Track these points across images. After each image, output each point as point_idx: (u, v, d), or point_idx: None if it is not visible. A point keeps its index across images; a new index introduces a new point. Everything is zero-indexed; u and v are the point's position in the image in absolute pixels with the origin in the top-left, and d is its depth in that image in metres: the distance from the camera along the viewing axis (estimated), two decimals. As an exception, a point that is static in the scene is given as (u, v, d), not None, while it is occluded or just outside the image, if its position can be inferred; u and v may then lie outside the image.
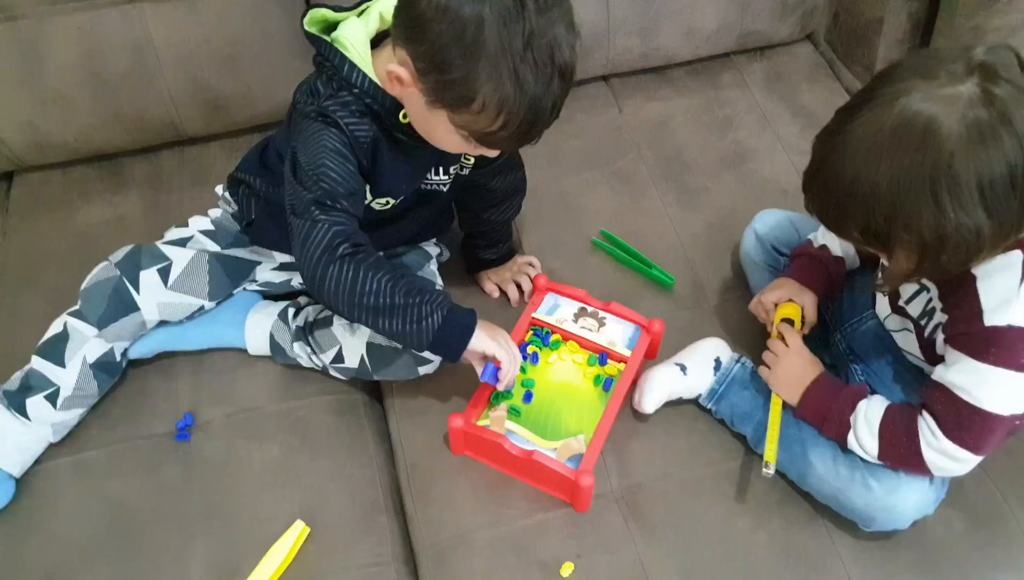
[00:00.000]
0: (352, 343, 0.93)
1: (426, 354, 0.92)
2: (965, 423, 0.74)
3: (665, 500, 0.88)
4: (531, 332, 0.98)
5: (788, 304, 0.92)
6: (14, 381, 0.91)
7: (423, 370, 0.93)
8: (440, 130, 0.76)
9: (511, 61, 0.68)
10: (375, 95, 0.78)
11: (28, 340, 0.93)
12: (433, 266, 1.02)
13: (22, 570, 0.84)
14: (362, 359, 0.92)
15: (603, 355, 0.95)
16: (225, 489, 0.89)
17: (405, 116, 0.79)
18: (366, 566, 0.85)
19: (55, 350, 0.91)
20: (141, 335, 0.95)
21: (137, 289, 0.91)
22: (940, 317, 0.78)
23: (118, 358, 0.93)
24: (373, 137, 0.80)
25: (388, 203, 0.88)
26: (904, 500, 0.80)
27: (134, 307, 0.91)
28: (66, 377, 0.90)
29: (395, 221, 0.93)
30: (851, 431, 0.82)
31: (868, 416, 0.81)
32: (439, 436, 0.93)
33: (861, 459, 0.82)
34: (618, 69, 1.27)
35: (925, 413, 0.77)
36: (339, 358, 0.93)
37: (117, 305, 0.91)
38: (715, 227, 1.11)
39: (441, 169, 0.89)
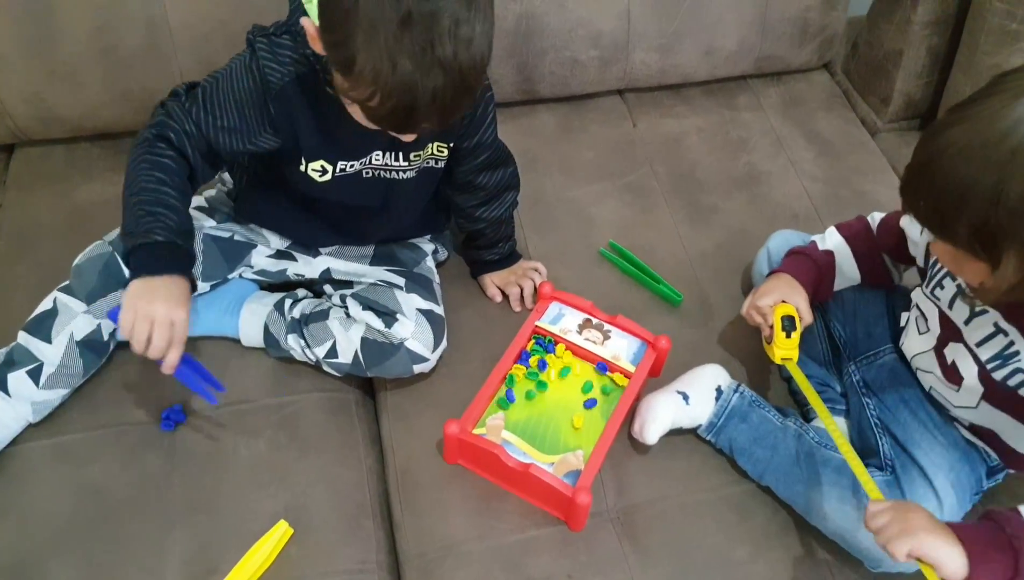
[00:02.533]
0: (346, 338, 0.91)
1: (423, 352, 0.90)
2: None
3: (662, 523, 0.86)
4: (533, 340, 0.95)
5: (783, 305, 0.88)
6: (-2, 356, 0.88)
7: (418, 368, 0.91)
8: (346, 100, 0.74)
9: (384, 37, 0.65)
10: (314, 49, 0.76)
11: (18, 313, 0.91)
12: (430, 262, 1.00)
13: (-11, 553, 0.80)
14: (356, 355, 0.90)
15: (601, 364, 0.93)
16: (208, 483, 0.86)
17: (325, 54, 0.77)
18: (349, 572, 0.82)
19: (42, 326, 0.88)
20: (132, 318, 0.92)
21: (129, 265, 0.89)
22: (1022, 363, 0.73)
23: (106, 338, 0.90)
24: (285, 84, 0.78)
25: (325, 171, 0.85)
26: None
27: (125, 282, 0.89)
28: (51, 353, 0.87)
29: (371, 215, 0.91)
30: None
31: None
32: (432, 442, 0.90)
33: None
34: (635, 84, 1.27)
35: None
36: (332, 353, 0.91)
37: (107, 279, 0.88)
38: (725, 247, 1.10)
39: (400, 155, 0.86)
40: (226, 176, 0.98)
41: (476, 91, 0.71)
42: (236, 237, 0.96)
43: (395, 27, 0.64)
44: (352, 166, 0.85)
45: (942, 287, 0.81)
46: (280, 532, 0.82)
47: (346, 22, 0.66)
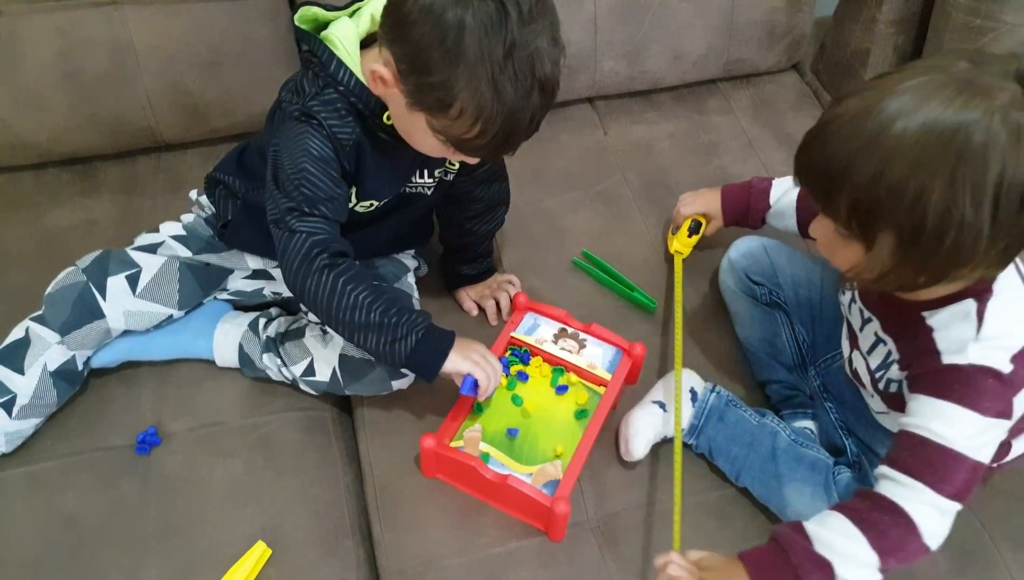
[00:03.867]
0: (324, 355, 0.90)
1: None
2: (938, 466, 0.68)
3: (642, 531, 0.86)
4: (509, 351, 0.95)
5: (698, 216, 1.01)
6: (-31, 387, 0.87)
7: (396, 385, 0.91)
8: (420, 133, 0.75)
9: (490, 70, 0.67)
10: (360, 94, 0.77)
11: (-14, 343, 0.90)
12: (411, 278, 1.00)
13: (-38, 587, 0.80)
14: (334, 372, 0.90)
15: (560, 369, 0.93)
16: (184, 506, 0.85)
17: (389, 117, 0.78)
18: (328, 591, 0.82)
19: (14, 356, 0.87)
20: (105, 344, 0.92)
21: (104, 296, 0.88)
22: (896, 373, 0.74)
23: (79, 367, 0.90)
24: (356, 139, 0.79)
25: (372, 206, 0.87)
26: None
27: (99, 314, 0.88)
28: (24, 385, 0.86)
29: (375, 224, 0.91)
30: (831, 564, 0.68)
31: (827, 525, 0.69)
32: (410, 458, 0.90)
33: (838, 497, 0.80)
34: (604, 91, 1.27)
35: (896, 473, 0.68)
36: (310, 371, 0.91)
37: (82, 311, 0.88)
38: (698, 253, 1.10)
39: (426, 172, 0.88)
40: (203, 200, 0.97)
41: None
42: (212, 264, 0.96)
43: (500, 58, 0.67)
44: (395, 193, 0.87)
45: (843, 292, 0.81)
46: (258, 553, 0.81)
47: (446, 62, 0.67)
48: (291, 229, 0.76)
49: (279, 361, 0.92)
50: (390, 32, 0.72)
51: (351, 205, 0.85)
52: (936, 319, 0.68)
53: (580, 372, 0.93)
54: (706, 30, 1.24)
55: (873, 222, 0.61)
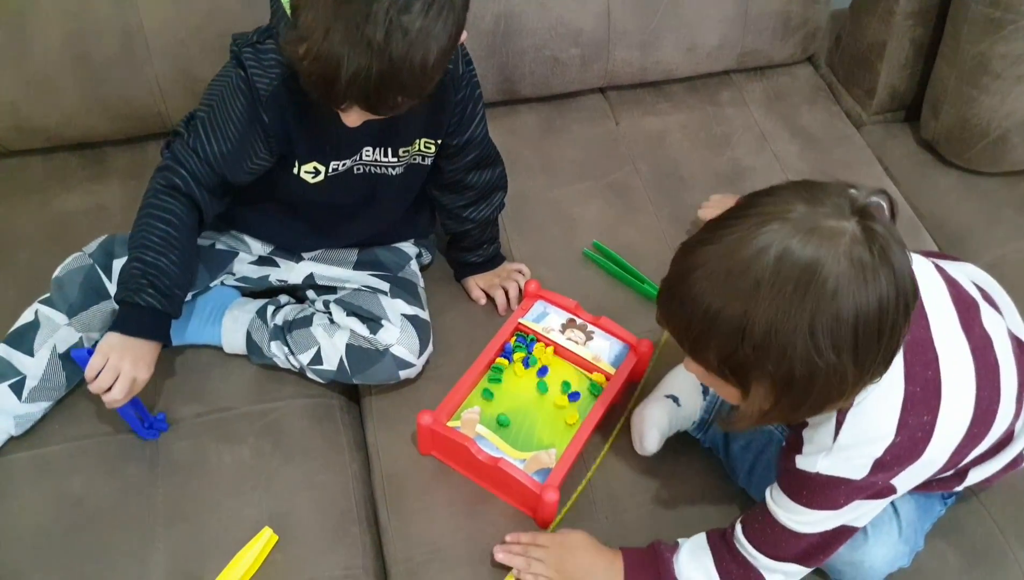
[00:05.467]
0: (331, 344, 0.90)
1: (408, 358, 0.90)
2: (781, 543, 0.73)
3: (650, 524, 0.86)
4: (514, 338, 0.95)
5: None
6: (-21, 369, 0.87)
7: (404, 374, 0.91)
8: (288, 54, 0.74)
9: (325, 2, 0.66)
10: None
11: (-4, 324, 0.90)
12: (414, 266, 0.99)
13: (-30, 568, 0.80)
14: (341, 361, 0.89)
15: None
16: (191, 491, 0.85)
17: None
18: (336, 578, 0.82)
19: (24, 339, 0.88)
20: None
21: (109, 278, 0.89)
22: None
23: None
24: (274, 91, 0.78)
25: (318, 172, 0.85)
26: (871, 556, 0.78)
27: (105, 295, 0.88)
28: (33, 366, 0.86)
29: (351, 209, 0.90)
30: None
31: (695, 549, 0.77)
32: (417, 446, 0.90)
33: None
34: (616, 81, 1.26)
35: (744, 541, 0.75)
36: (317, 359, 0.90)
37: (88, 293, 0.88)
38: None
39: (389, 150, 0.86)
40: None
41: (413, 88, 0.70)
42: (217, 245, 0.96)
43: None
44: (344, 164, 0.85)
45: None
46: (264, 539, 0.81)
47: None
48: (167, 147, 0.84)
49: (286, 349, 0.92)
50: None
51: (295, 172, 0.84)
52: (811, 421, 0.70)
53: (584, 364, 0.93)
54: (720, 21, 1.22)
55: (745, 373, 0.62)
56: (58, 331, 0.88)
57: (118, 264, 0.89)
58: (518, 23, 1.14)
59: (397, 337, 0.90)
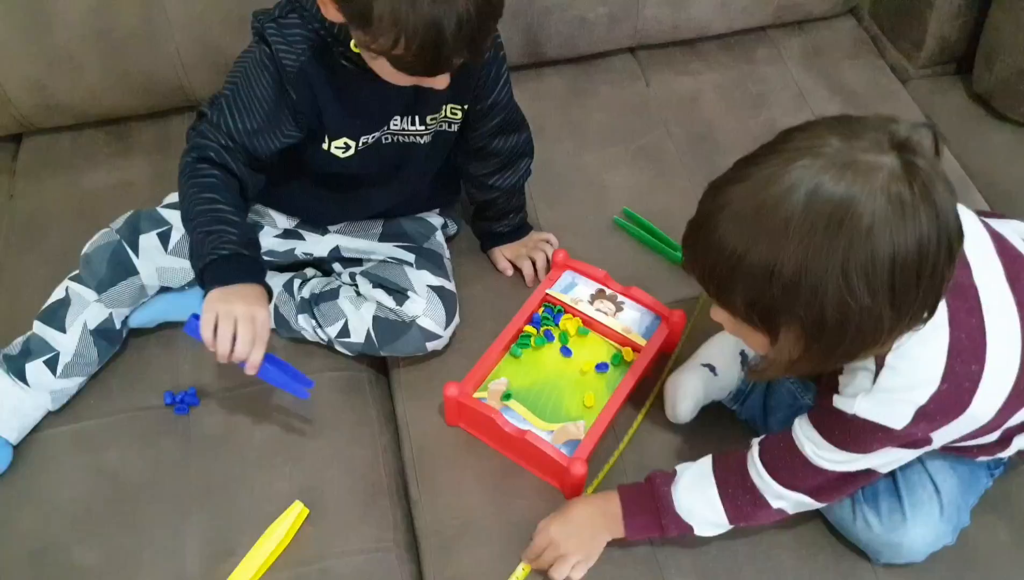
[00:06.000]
0: (358, 317, 0.89)
1: (435, 329, 0.89)
2: (799, 474, 0.71)
3: (683, 494, 0.84)
4: (542, 309, 0.93)
5: None
6: (15, 346, 0.89)
7: (431, 345, 0.90)
8: (370, 58, 0.72)
9: None
10: (323, 20, 0.74)
11: (30, 303, 0.91)
12: (440, 237, 0.98)
13: (14, 539, 0.82)
14: (368, 334, 0.89)
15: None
16: (223, 466, 0.86)
17: (356, 45, 0.75)
18: (366, 551, 0.82)
19: (56, 315, 0.89)
20: (142, 303, 0.92)
21: (136, 253, 0.89)
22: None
23: (118, 326, 0.91)
24: (301, 66, 0.77)
25: (348, 147, 0.83)
26: (911, 537, 0.75)
27: (133, 271, 0.89)
28: (66, 342, 0.87)
29: (379, 179, 0.89)
30: (688, 520, 0.75)
31: (697, 478, 0.76)
32: (448, 423, 0.89)
33: (862, 494, 0.77)
34: (646, 40, 1.21)
35: (759, 465, 0.73)
36: (344, 332, 0.90)
37: (116, 269, 0.88)
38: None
39: (416, 118, 0.84)
40: None
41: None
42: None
43: None
44: (373, 136, 0.84)
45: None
46: (295, 513, 0.81)
47: None
48: (193, 129, 0.82)
49: (314, 322, 0.91)
50: None
51: (325, 148, 0.82)
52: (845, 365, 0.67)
53: (614, 336, 0.91)
54: (756, -28, 1.17)
55: (773, 317, 0.59)
56: (88, 307, 0.88)
57: (145, 240, 0.89)
58: (543, -19, 1.10)
59: (423, 308, 0.89)
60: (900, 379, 0.63)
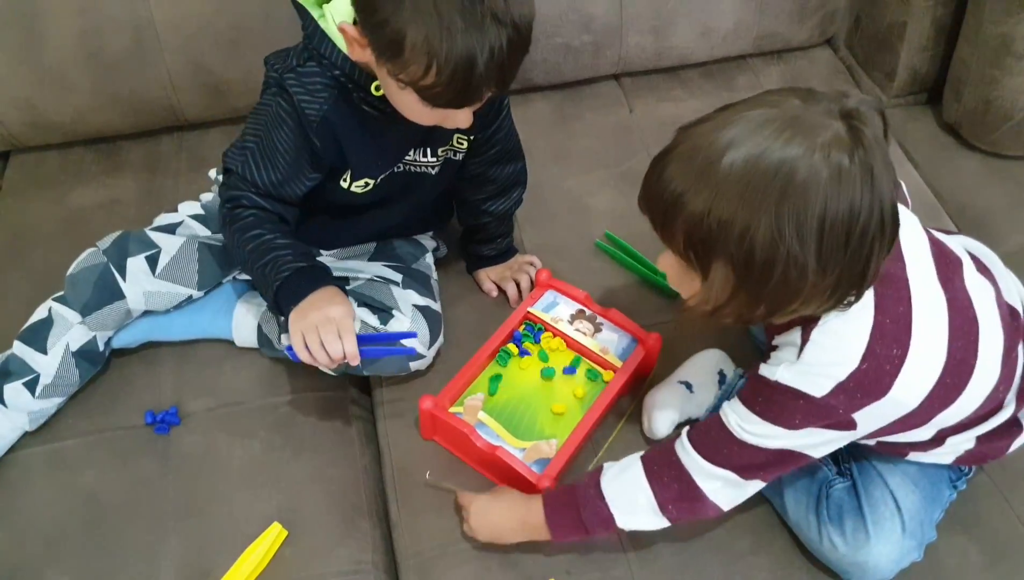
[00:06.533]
0: (341, 338, 0.90)
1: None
2: (724, 450, 0.71)
3: (661, 516, 0.84)
4: (523, 326, 0.94)
5: None
6: (-7, 365, 0.88)
7: (414, 365, 0.90)
8: (399, 95, 0.73)
9: (435, 1, 0.64)
10: (343, 66, 0.75)
11: (11, 320, 0.91)
12: (429, 259, 0.99)
13: (-13, 561, 0.81)
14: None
15: (576, 360, 0.92)
16: (202, 486, 0.86)
17: (379, 87, 0.76)
18: (345, 573, 0.81)
19: (38, 336, 0.88)
20: (126, 324, 0.92)
21: (124, 277, 0.89)
22: None
23: (101, 348, 0.90)
24: (323, 115, 0.77)
25: (368, 185, 0.85)
26: (875, 555, 0.76)
27: (120, 295, 0.89)
28: (47, 364, 0.87)
29: (383, 205, 0.90)
30: (610, 509, 0.75)
31: (625, 465, 0.76)
32: (428, 442, 0.89)
33: (827, 514, 0.78)
34: (630, 68, 1.24)
35: (686, 442, 0.74)
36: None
37: (102, 292, 0.88)
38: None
39: (428, 150, 0.86)
40: (222, 178, 0.97)
41: (528, 48, 0.70)
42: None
43: None
44: (389, 169, 0.85)
45: None
46: (274, 534, 0.81)
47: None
48: (224, 185, 0.83)
49: (298, 341, 0.92)
50: None
51: (345, 186, 0.84)
52: (778, 340, 0.70)
53: (591, 356, 0.92)
54: (735, 3, 1.20)
55: (707, 253, 0.62)
56: (71, 329, 0.88)
57: (133, 262, 0.89)
58: (528, 10, 1.12)
59: (407, 327, 0.89)
60: (822, 354, 0.66)
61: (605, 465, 0.78)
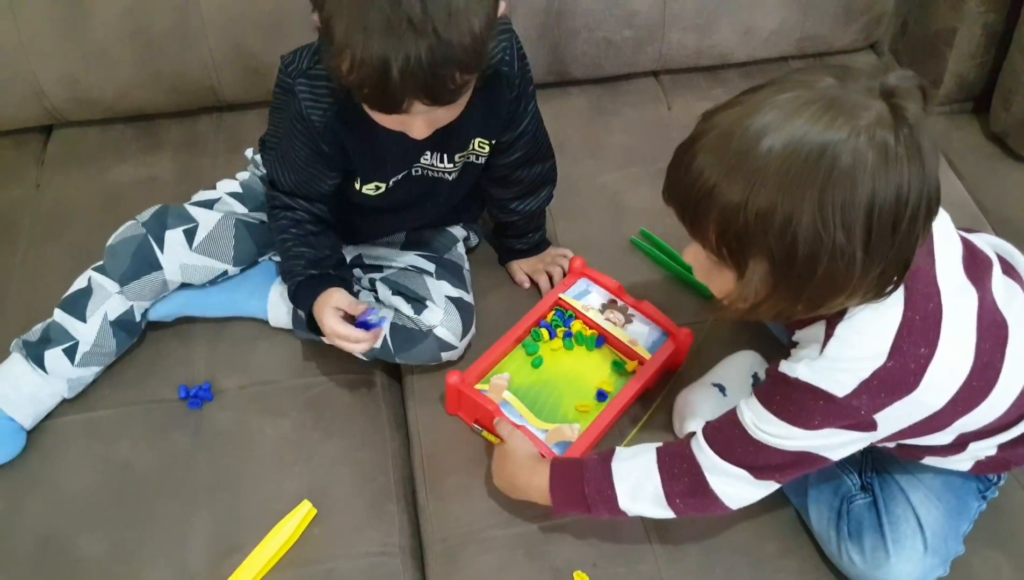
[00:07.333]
0: (375, 324, 0.90)
1: (451, 340, 0.90)
2: (739, 451, 0.69)
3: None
4: (553, 312, 0.94)
5: None
6: (35, 332, 0.89)
7: (446, 356, 0.90)
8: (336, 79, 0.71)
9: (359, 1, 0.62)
10: None
11: (50, 292, 0.92)
12: (460, 249, 0.99)
13: (20, 526, 0.82)
14: (385, 340, 0.89)
15: (600, 339, 0.92)
16: (233, 462, 0.86)
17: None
18: (371, 555, 0.82)
19: (77, 304, 0.89)
20: (162, 296, 0.93)
21: (161, 248, 0.90)
22: None
23: (138, 318, 0.91)
24: (328, 121, 0.78)
25: (379, 188, 0.85)
26: (895, 574, 0.74)
27: (157, 266, 0.90)
28: (86, 332, 0.88)
29: (404, 207, 0.91)
30: (615, 490, 0.74)
31: (638, 450, 0.75)
32: (459, 427, 0.89)
33: (847, 530, 0.77)
34: (670, 65, 1.23)
35: (701, 438, 0.71)
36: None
37: (141, 263, 0.89)
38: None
39: (445, 156, 0.85)
40: (259, 158, 0.98)
41: (468, 60, 0.65)
42: (267, 222, 0.96)
43: None
44: (403, 175, 0.86)
45: None
46: (303, 512, 0.81)
47: None
48: (267, 185, 0.88)
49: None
50: None
51: (358, 188, 0.85)
52: (798, 336, 0.67)
53: (620, 346, 0.91)
54: (780, 4, 1.18)
55: (743, 248, 0.58)
56: (109, 299, 0.89)
57: (171, 235, 0.90)
58: (572, 3, 1.12)
59: (441, 318, 0.89)
60: (847, 350, 0.62)
61: (618, 448, 0.77)
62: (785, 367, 0.66)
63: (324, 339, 0.84)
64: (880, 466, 0.81)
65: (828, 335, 0.63)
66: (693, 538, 0.82)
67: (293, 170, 0.83)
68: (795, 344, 0.68)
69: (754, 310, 0.61)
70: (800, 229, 0.55)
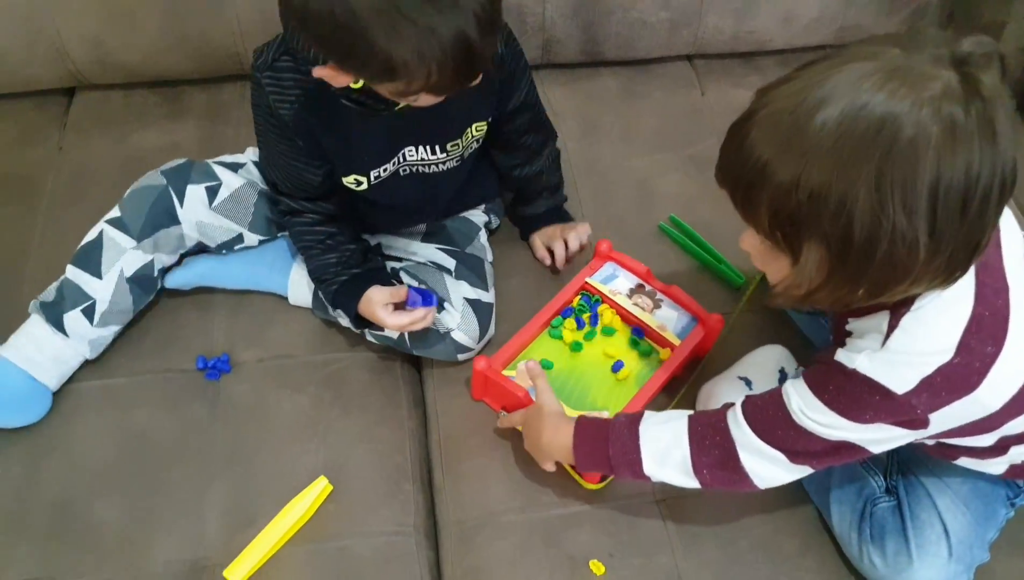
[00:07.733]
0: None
1: (467, 343, 0.89)
2: (780, 434, 0.66)
3: (709, 508, 0.82)
4: (579, 297, 0.93)
5: None
6: (49, 292, 0.88)
7: (463, 357, 0.90)
8: (411, 99, 0.70)
9: (394, 11, 0.61)
10: (315, 62, 0.72)
11: (69, 254, 0.90)
12: (483, 239, 0.97)
13: (36, 490, 0.82)
14: (402, 334, 0.88)
15: (638, 329, 0.90)
16: (250, 434, 0.86)
17: (359, 80, 0.72)
18: (386, 533, 0.81)
19: (91, 260, 0.87)
20: (182, 264, 0.92)
21: (181, 202, 0.88)
22: None
23: (155, 273, 0.90)
24: (296, 114, 0.77)
25: (360, 182, 0.84)
26: (917, 579, 0.73)
27: (175, 220, 0.89)
28: (102, 289, 0.87)
29: (413, 207, 0.90)
30: (641, 453, 0.71)
31: (670, 416, 0.73)
32: (477, 409, 0.88)
33: (869, 533, 0.75)
34: (705, 50, 1.20)
35: (739, 415, 0.68)
36: (379, 326, 0.89)
37: (159, 214, 0.88)
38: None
39: (436, 147, 0.83)
40: None
41: (497, 23, 0.66)
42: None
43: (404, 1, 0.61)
44: (385, 170, 0.84)
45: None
46: (320, 487, 0.81)
47: (355, 35, 0.62)
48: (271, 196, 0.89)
49: (349, 315, 0.91)
50: (298, 34, 0.68)
51: (342, 181, 0.84)
52: (855, 325, 0.63)
53: (648, 332, 0.90)
54: (822, -10, 1.15)
55: (797, 232, 0.54)
56: (125, 254, 0.87)
57: (192, 190, 0.89)
58: (608, -19, 1.09)
59: (458, 322, 0.88)
60: (913, 343, 0.59)
61: (648, 412, 0.74)
62: (843, 357, 0.62)
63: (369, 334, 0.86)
64: (906, 468, 0.79)
65: (892, 326, 0.59)
66: (711, 532, 0.81)
67: (278, 167, 0.83)
68: (848, 333, 0.63)
69: (810, 297, 0.58)
70: (856, 210, 0.51)
